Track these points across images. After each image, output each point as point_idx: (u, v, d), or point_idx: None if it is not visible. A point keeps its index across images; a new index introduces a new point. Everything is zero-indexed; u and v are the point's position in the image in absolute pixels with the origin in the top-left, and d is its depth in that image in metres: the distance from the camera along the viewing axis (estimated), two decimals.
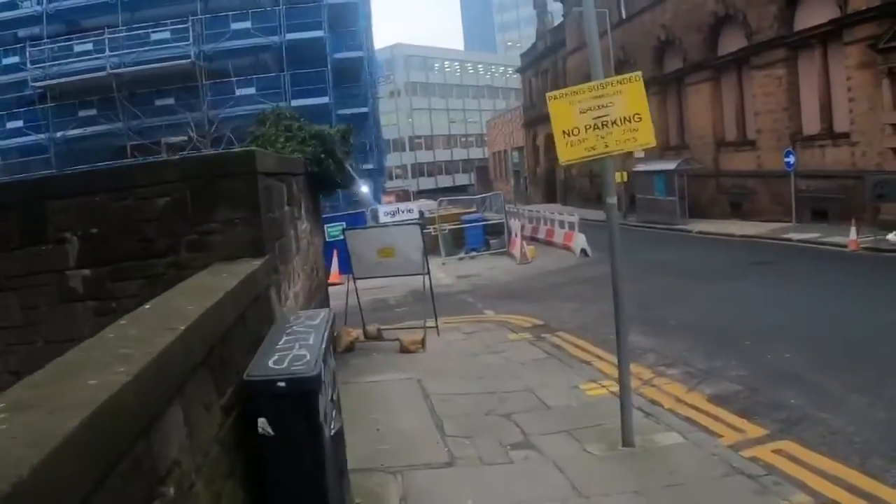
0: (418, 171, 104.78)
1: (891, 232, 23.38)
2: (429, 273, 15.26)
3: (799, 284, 18.52)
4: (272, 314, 7.13)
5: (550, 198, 60.25)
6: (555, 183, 61.45)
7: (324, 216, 27.03)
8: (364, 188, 49.18)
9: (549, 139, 61.82)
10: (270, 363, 4.77)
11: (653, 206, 37.23)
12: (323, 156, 12.96)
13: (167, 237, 7.41)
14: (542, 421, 9.24)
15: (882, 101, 25.60)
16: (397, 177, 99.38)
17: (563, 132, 7.54)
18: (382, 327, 16.23)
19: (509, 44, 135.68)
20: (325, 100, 41.11)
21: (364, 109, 46.49)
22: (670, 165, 35.49)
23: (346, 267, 17.14)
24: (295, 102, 36.11)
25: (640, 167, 38.71)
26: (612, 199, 7.81)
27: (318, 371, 4.61)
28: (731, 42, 34.42)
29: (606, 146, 7.47)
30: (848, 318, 14.24)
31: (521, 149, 71.86)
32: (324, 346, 5.13)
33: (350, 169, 14.14)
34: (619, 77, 7.51)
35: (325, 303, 13.92)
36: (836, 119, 29.05)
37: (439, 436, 8.74)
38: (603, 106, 7.43)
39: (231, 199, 7.27)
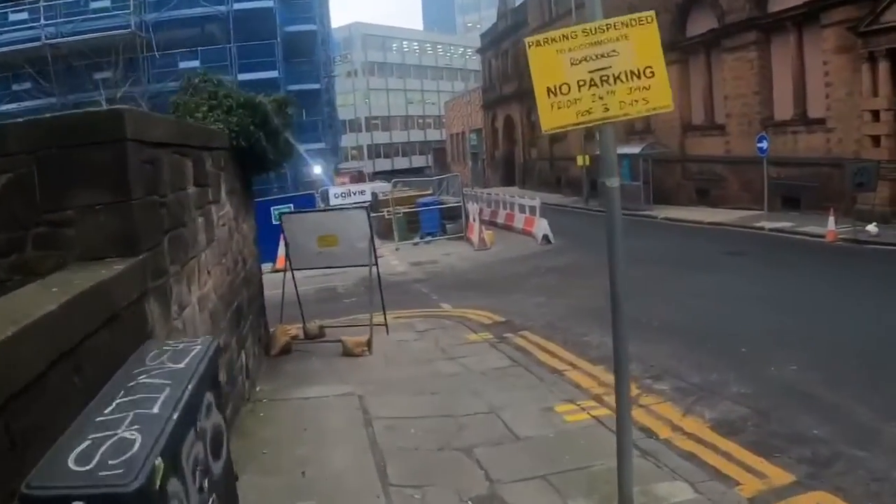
0: (374, 152, 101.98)
1: (870, 223, 21.90)
2: (377, 264, 13.24)
3: (782, 278, 16.82)
4: (147, 334, 5.11)
5: (509, 181, 58.36)
6: (514, 166, 59.60)
7: (270, 198, 24.98)
8: (317, 169, 47.09)
9: (509, 121, 60.33)
10: (71, 460, 2.75)
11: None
12: (252, 128, 10.83)
13: (7, 230, 5.32)
14: (512, 459, 7.29)
15: (861, 87, 24.16)
16: (353, 158, 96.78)
17: (548, 90, 5.51)
18: (326, 323, 14.24)
19: (469, 25, 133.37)
20: (273, 74, 38.50)
21: (316, 86, 44.08)
22: (635, 149, 33.72)
23: None
24: (242, 76, 33.74)
25: None
26: (614, 182, 5.79)
27: (142, 483, 2.59)
28: (701, 23, 32.62)
29: (607, 110, 5.46)
30: (848, 320, 12.53)
31: (480, 131, 69.83)
32: (176, 417, 3.11)
33: (288, 145, 12.01)
34: (626, 17, 5.50)
35: (257, 298, 11.86)
36: (811, 104, 27.49)
37: (380, 486, 6.72)
38: (603, 56, 5.43)
39: (90, 176, 5.19)
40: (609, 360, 11.17)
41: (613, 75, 5.46)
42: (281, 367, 11.56)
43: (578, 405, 8.90)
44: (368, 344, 12.08)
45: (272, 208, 22.23)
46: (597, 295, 16.44)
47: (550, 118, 5.59)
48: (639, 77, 5.44)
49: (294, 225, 12.88)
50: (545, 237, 26.03)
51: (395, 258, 25.81)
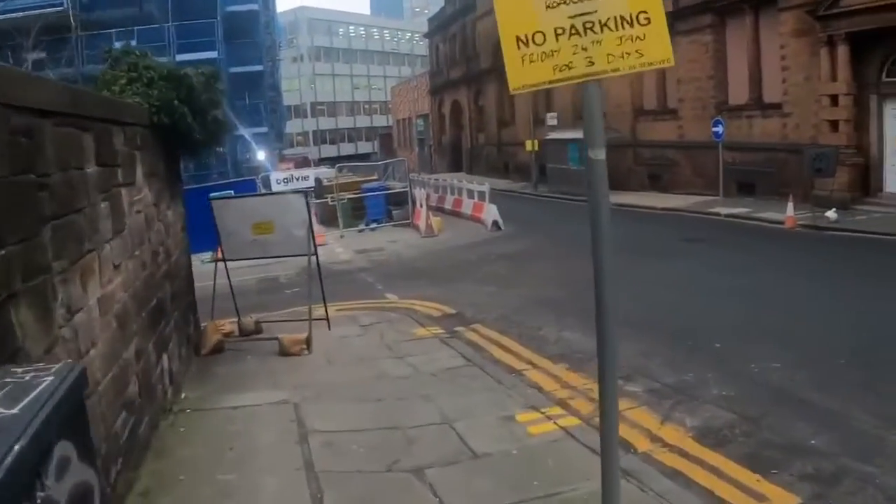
0: (320, 138, 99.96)
1: (829, 209, 21.30)
2: (316, 254, 12.06)
3: (747, 267, 16.00)
4: (12, 353, 3.95)
5: (456, 167, 57.31)
6: (461, 152, 58.58)
7: (208, 184, 23.60)
8: (260, 154, 45.50)
9: (456, 106, 59.30)
10: None
11: (565, 177, 34.61)
12: (176, 103, 9.57)
13: None
14: (470, 483, 6.17)
15: (819, 72, 23.61)
16: (298, 144, 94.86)
17: (518, 40, 4.39)
18: (264, 318, 13.08)
19: (417, 9, 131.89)
20: (213, 54, 36.40)
21: (258, 68, 42.31)
22: None
23: None
24: (180, 57, 31.94)
25: (553, 135, 36.06)
26: (600, 153, 4.63)
27: None
28: None
29: (591, 64, 4.35)
30: (826, 311, 11.72)
31: (427, 116, 68.63)
32: None
33: (218, 123, 10.74)
34: None
35: (184, 293, 10.63)
36: (767, 89, 26.90)
37: None
38: None
39: None
40: (570, 358, 10.28)
41: (600, 21, 4.35)
42: (212, 368, 10.35)
43: (543, 412, 7.81)
44: (307, 342, 10.90)
45: (211, 195, 20.82)
46: (550, 284, 15.55)
47: (520, 74, 4.46)
48: (631, 24, 4.33)
49: (226, 211, 11.63)
50: (495, 223, 25.00)
51: (340, 246, 24.60)
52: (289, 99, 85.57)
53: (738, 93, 28.12)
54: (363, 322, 12.93)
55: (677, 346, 10.26)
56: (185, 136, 9.92)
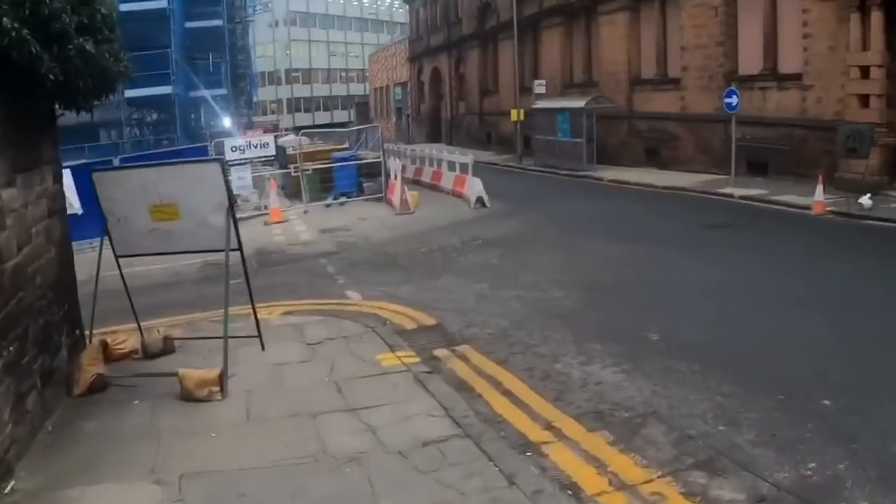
0: (294, 106, 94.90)
1: (859, 194, 18.00)
2: (241, 250, 8.46)
3: (795, 262, 12.67)
4: None
5: (435, 138, 53.43)
6: (440, 122, 54.67)
7: (147, 152, 19.90)
8: (226, 121, 41.47)
9: (436, 74, 55.12)
10: None
11: (553, 149, 31.03)
12: (15, 25, 5.91)
13: None
14: None
15: (847, 40, 20.16)
16: (272, 112, 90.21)
17: None
18: (183, 326, 9.57)
19: None
20: (162, 3, 32.15)
21: (217, 22, 37.09)
22: (579, 103, 29.26)
23: None
24: (124, 6, 27.81)
25: (541, 104, 32.37)
26: None
27: None
28: None
29: None
30: None
31: (405, 85, 64.43)
32: None
33: (93, 60, 7.03)
34: None
35: (47, 306, 7.03)
36: (784, 58, 23.36)
37: None
38: None
39: None
40: (611, 421, 6.64)
41: None
42: (77, 423, 6.79)
43: None
44: (220, 381, 7.30)
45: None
46: (557, 282, 12.01)
47: None
48: None
49: (113, 187, 7.96)
50: (479, 200, 21.33)
51: (302, 223, 20.92)
52: (262, 65, 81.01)
53: (751, 62, 24.50)
54: (310, 337, 9.33)
55: (765, 401, 6.76)
56: (30, 73, 6.27)
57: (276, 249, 17.30)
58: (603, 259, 13.64)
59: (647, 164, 28.70)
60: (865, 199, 17.74)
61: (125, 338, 9.00)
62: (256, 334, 8.78)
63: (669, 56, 28.30)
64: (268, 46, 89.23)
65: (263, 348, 8.74)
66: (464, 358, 8.53)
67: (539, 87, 33.05)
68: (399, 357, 8.38)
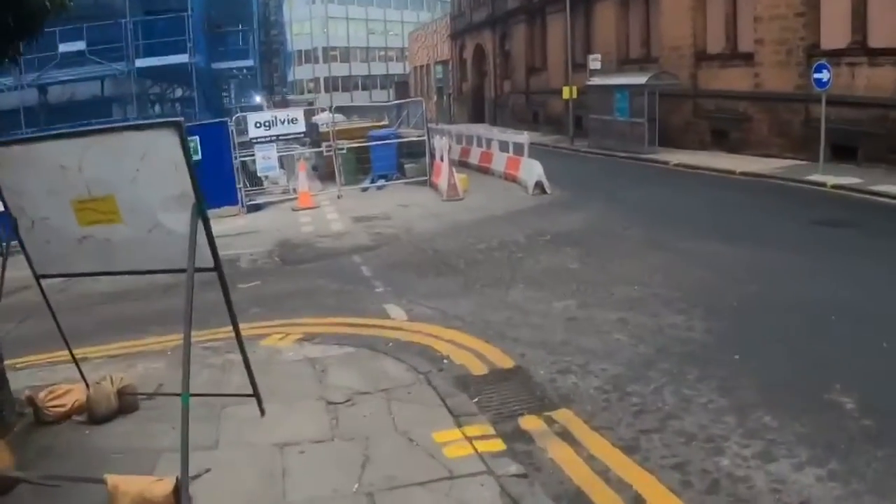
0: (332, 85, 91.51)
1: None
2: (219, 269, 5.18)
3: None
4: None
5: (478, 118, 49.79)
6: (483, 101, 51.05)
7: (148, 121, 16.82)
8: (257, 98, 38.24)
9: (479, 51, 51.10)
10: None
11: (610, 130, 27.42)
12: None
13: None
14: None
15: None
16: (309, 91, 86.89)
17: None
18: (139, 393, 6.55)
19: None
20: None
21: None
22: (640, 79, 25.67)
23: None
24: None
25: (596, 80, 28.79)
26: None
27: None
28: None
29: None
30: None
31: (447, 63, 60.70)
32: None
33: None
34: None
35: None
36: (875, 30, 19.59)
37: None
38: None
39: None
40: None
41: None
42: None
43: None
44: (174, 501, 4.13)
45: None
46: (664, 299, 8.75)
47: None
48: None
49: (17, 172, 4.78)
50: (539, 185, 17.95)
51: (335, 210, 17.73)
52: (299, 43, 77.68)
53: (836, 34, 20.68)
54: (334, 390, 6.17)
55: None
56: None
57: (302, 242, 14.17)
58: (709, 265, 10.30)
59: (713, 147, 25.10)
60: None
61: (65, 390, 5.92)
62: (252, 393, 5.61)
63: (740, 28, 24.50)
64: (304, 24, 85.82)
65: (262, 413, 5.59)
66: (568, 437, 5.34)
67: (594, 61, 29.41)
68: (470, 439, 5.18)
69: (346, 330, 8.19)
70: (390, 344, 7.56)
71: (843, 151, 19.68)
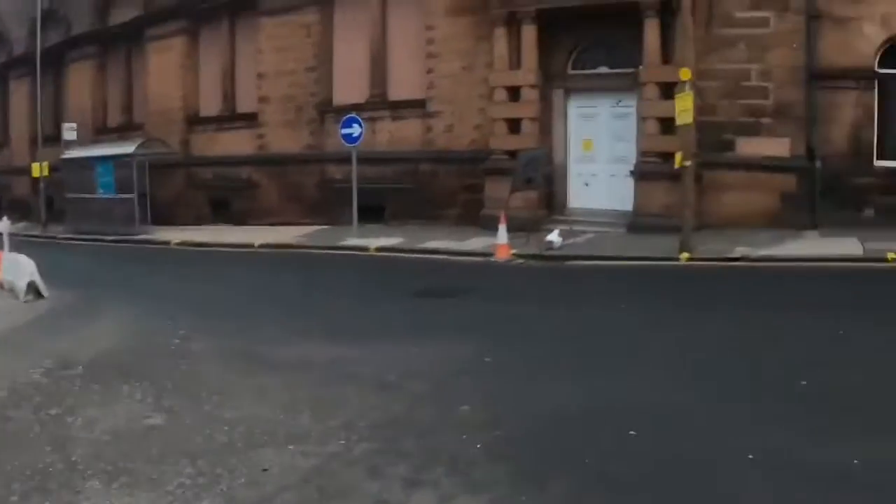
0: None
1: (551, 232, 14.07)
2: None
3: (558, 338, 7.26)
4: None
5: None
6: None
7: None
8: None
9: None
10: None
11: (93, 210, 21.81)
12: None
13: None
14: None
15: (492, 59, 16.49)
16: None
17: None
18: None
19: None
20: None
21: None
22: (127, 149, 21.05)
23: None
24: None
25: (73, 153, 23.24)
26: None
27: None
28: None
29: None
30: None
31: None
32: None
33: None
34: None
35: None
36: (395, 82, 18.72)
37: None
38: None
39: None
40: None
41: None
42: None
43: None
44: None
45: None
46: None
47: None
48: None
49: None
50: (32, 287, 12.27)
51: None
52: None
53: (352, 89, 19.07)
54: None
55: None
56: None
57: None
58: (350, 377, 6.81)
59: (215, 220, 21.58)
60: (555, 236, 13.98)
61: None
62: None
63: (240, 86, 21.62)
64: None
65: None
66: None
67: (70, 131, 23.59)
68: None
69: None
70: None
71: (368, 212, 17.60)
